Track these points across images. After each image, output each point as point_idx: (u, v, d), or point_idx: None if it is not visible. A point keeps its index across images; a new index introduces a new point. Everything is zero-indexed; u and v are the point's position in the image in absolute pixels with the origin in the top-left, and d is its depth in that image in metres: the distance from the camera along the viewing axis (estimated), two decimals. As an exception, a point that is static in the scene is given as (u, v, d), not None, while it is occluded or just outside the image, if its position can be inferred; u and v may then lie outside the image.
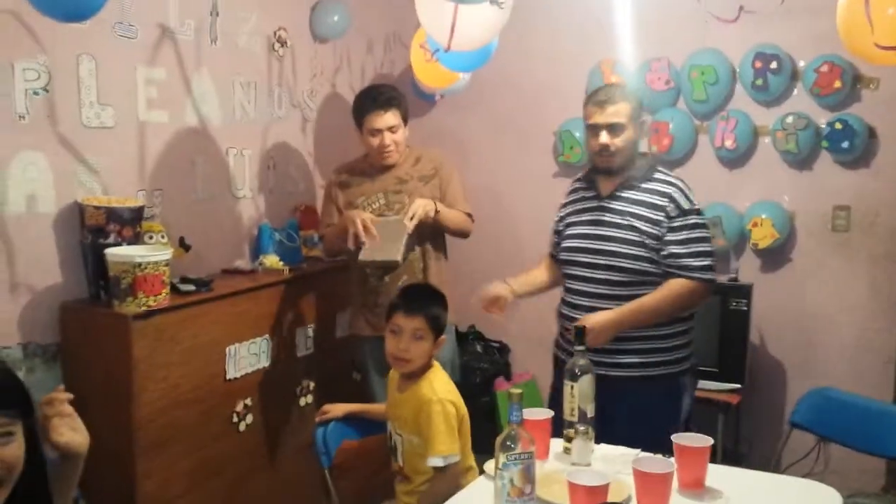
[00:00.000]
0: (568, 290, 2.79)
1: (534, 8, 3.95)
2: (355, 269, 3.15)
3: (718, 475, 2.08)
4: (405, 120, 3.16)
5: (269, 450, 3.15)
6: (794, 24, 3.55)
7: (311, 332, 3.36)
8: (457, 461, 2.31)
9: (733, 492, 1.98)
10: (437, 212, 3.05)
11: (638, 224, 2.62)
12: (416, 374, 2.41)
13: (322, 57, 3.82)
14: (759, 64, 3.56)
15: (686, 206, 2.63)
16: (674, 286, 2.60)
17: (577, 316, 2.66)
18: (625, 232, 2.64)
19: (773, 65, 3.53)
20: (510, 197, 4.26)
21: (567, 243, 2.79)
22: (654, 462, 1.95)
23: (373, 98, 3.11)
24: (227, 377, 2.92)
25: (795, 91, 3.60)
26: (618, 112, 2.62)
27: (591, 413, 2.24)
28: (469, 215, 3.22)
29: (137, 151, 2.91)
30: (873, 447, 2.76)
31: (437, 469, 2.28)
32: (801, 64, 3.56)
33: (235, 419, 2.97)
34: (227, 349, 2.92)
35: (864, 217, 3.56)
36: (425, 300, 2.45)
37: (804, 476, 2.26)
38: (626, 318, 2.58)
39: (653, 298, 2.60)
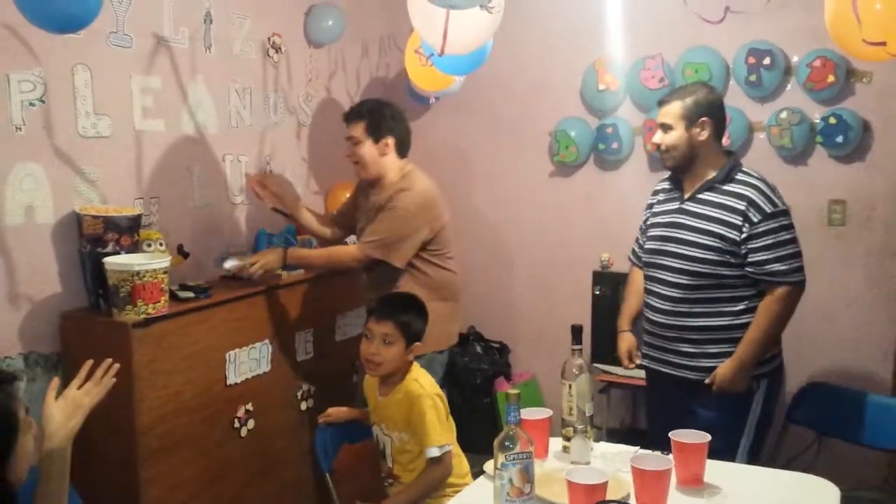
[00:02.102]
0: (647, 292, 2.82)
1: (527, 9, 3.97)
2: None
3: (717, 471, 2.09)
4: (374, 136, 3.06)
5: (270, 454, 3.15)
6: (787, 19, 3.56)
7: (310, 336, 3.37)
8: (450, 450, 2.42)
9: (732, 487, 2.00)
10: (287, 263, 3.08)
11: (714, 228, 2.63)
12: (396, 377, 2.50)
13: (317, 62, 3.83)
14: (752, 60, 3.57)
15: (768, 209, 2.60)
16: (769, 305, 2.61)
17: (658, 319, 2.74)
18: (701, 236, 2.65)
19: (767, 60, 3.55)
20: (506, 197, 4.28)
21: (647, 245, 2.84)
22: (652, 459, 1.96)
23: (349, 109, 3.21)
24: (228, 383, 2.93)
25: (789, 86, 3.61)
26: (667, 112, 2.70)
27: (589, 412, 2.25)
28: (365, 254, 3.02)
29: (134, 160, 2.92)
30: (873, 440, 2.78)
31: (433, 459, 2.38)
32: (795, 59, 3.58)
33: (237, 424, 2.98)
34: (227, 355, 2.92)
35: (860, 211, 3.57)
36: (397, 307, 2.56)
37: (804, 471, 2.27)
38: (746, 357, 2.62)
39: (757, 328, 2.62)
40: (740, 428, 2.66)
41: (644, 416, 4.05)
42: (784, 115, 3.56)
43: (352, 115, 3.13)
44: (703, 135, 2.68)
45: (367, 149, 3.08)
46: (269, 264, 3.02)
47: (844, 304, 3.61)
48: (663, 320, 2.74)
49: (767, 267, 2.59)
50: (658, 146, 2.75)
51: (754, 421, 2.68)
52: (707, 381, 2.67)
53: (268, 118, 3.55)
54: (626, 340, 2.96)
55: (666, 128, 2.70)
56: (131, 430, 2.55)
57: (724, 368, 2.64)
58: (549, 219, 4.22)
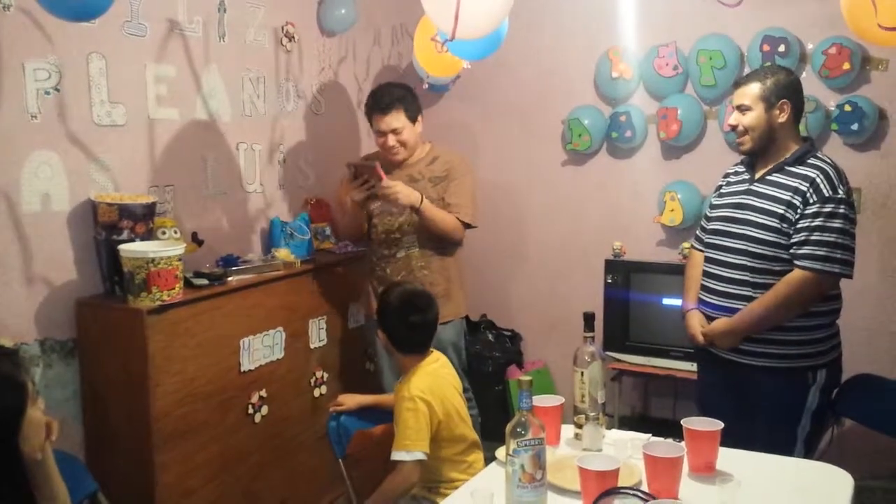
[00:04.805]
0: (706, 274, 2.77)
1: (540, -4, 3.96)
2: (368, 258, 3.35)
3: (730, 459, 2.09)
4: (413, 118, 3.21)
5: (284, 440, 3.18)
6: (802, 6, 3.53)
7: (323, 323, 3.39)
8: (422, 459, 2.39)
9: (744, 475, 1.99)
10: (419, 207, 3.07)
11: (777, 208, 2.58)
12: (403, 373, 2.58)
13: (329, 50, 3.83)
14: (766, 47, 3.55)
15: (827, 192, 2.53)
16: (781, 284, 2.55)
17: (715, 302, 2.70)
18: (764, 217, 2.61)
19: (781, 48, 3.52)
20: (518, 186, 4.27)
21: (711, 225, 2.81)
22: (665, 446, 1.96)
23: (377, 100, 3.20)
24: (242, 369, 2.96)
25: (804, 74, 3.58)
26: (744, 93, 2.65)
27: (601, 399, 2.25)
28: (466, 224, 3.23)
29: (148, 148, 2.93)
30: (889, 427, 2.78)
31: (397, 463, 2.38)
32: (810, 46, 3.55)
33: (251, 411, 3.00)
34: (241, 342, 2.95)
35: (875, 199, 3.54)
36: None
37: (818, 459, 2.26)
38: (738, 326, 2.61)
39: (760, 302, 2.58)
40: (797, 418, 2.62)
41: (655, 405, 4.07)
42: (799, 102, 3.53)
43: (391, 105, 3.16)
44: (783, 117, 2.63)
45: (409, 133, 3.21)
46: (404, 195, 3.03)
47: (859, 293, 3.55)
48: (720, 302, 2.68)
49: (801, 249, 2.53)
50: (734, 128, 2.68)
51: (811, 412, 2.64)
52: (702, 330, 2.71)
53: (281, 106, 3.55)
54: (696, 316, 2.83)
55: (743, 109, 2.64)
56: (146, 415, 2.58)
57: (719, 323, 2.66)
58: (562, 207, 4.21)
